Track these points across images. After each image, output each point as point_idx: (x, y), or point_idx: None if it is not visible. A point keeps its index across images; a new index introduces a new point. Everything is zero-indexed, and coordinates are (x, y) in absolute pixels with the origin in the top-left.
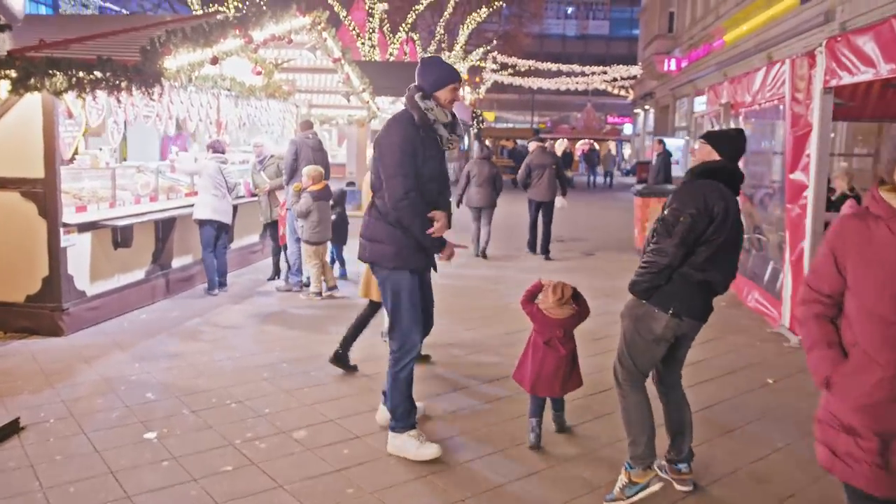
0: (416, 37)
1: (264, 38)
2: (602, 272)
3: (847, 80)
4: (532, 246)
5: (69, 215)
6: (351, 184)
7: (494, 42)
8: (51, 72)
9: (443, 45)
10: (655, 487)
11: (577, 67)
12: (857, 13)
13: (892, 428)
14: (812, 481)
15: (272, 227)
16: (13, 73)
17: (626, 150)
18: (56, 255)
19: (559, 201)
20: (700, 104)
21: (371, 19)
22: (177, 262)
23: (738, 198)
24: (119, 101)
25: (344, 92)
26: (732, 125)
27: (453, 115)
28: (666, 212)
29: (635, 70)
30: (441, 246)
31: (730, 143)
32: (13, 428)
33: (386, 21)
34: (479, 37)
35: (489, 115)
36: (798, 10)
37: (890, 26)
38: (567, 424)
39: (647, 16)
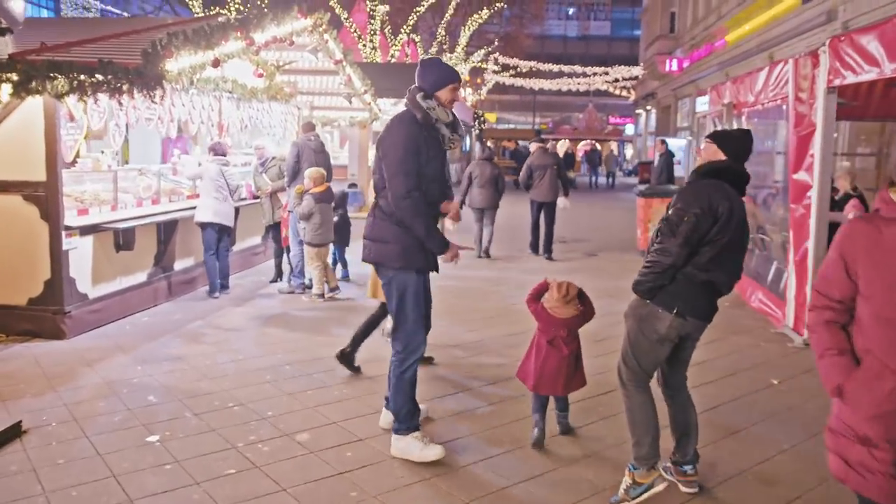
0: (417, 38)
1: (266, 40)
2: (605, 273)
3: (851, 79)
4: (534, 247)
5: (71, 218)
6: (353, 185)
7: (496, 43)
8: (52, 75)
9: (444, 47)
10: (660, 488)
11: (578, 68)
12: (859, 12)
13: None
14: (819, 483)
15: (274, 229)
16: (14, 77)
17: (628, 151)
18: (58, 258)
19: (561, 202)
20: (702, 104)
21: (372, 21)
22: (179, 265)
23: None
24: (121, 103)
25: (345, 94)
26: (735, 125)
27: (454, 115)
28: (670, 211)
29: (637, 70)
30: (445, 247)
31: (735, 143)
32: (15, 431)
33: (387, 23)
34: (480, 38)
35: (491, 117)
36: (800, 10)
37: (894, 25)
38: (571, 426)
39: (649, 16)
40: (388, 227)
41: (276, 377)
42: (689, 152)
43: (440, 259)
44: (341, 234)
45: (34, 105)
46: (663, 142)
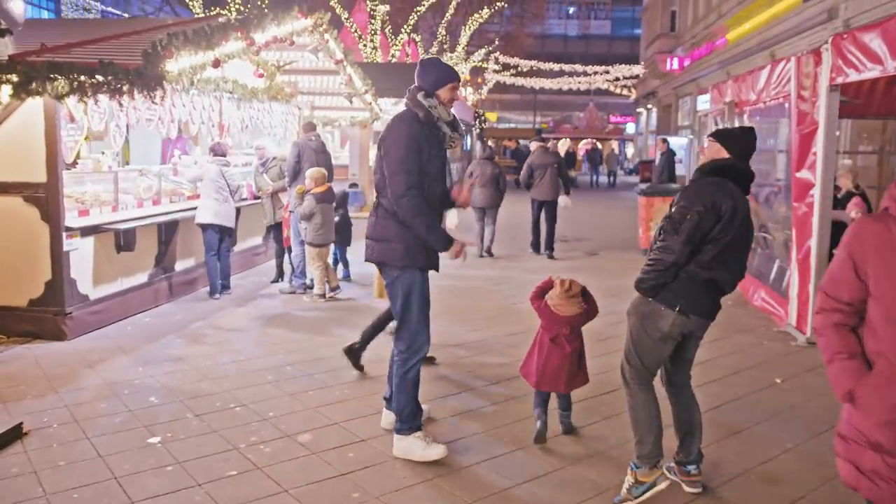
0: (417, 38)
1: (266, 40)
2: (606, 271)
3: (854, 77)
4: (536, 246)
5: (72, 219)
6: (354, 185)
7: (496, 43)
8: (52, 76)
9: (445, 47)
10: (662, 486)
11: (579, 67)
12: (860, 10)
13: None
14: (822, 482)
15: (275, 229)
16: (15, 78)
17: (629, 150)
18: (59, 259)
19: (563, 200)
20: (703, 103)
21: (373, 21)
22: (180, 266)
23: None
24: (121, 104)
25: (346, 94)
26: (737, 123)
27: (453, 115)
28: (674, 209)
29: (637, 69)
30: (448, 244)
31: (739, 140)
32: (16, 433)
33: (388, 22)
34: (480, 38)
35: (491, 116)
36: (801, 8)
37: None
38: (574, 426)
39: (649, 15)
40: (391, 226)
41: (278, 378)
42: (690, 151)
43: (447, 257)
44: (342, 234)
45: (34, 106)
46: (664, 140)
